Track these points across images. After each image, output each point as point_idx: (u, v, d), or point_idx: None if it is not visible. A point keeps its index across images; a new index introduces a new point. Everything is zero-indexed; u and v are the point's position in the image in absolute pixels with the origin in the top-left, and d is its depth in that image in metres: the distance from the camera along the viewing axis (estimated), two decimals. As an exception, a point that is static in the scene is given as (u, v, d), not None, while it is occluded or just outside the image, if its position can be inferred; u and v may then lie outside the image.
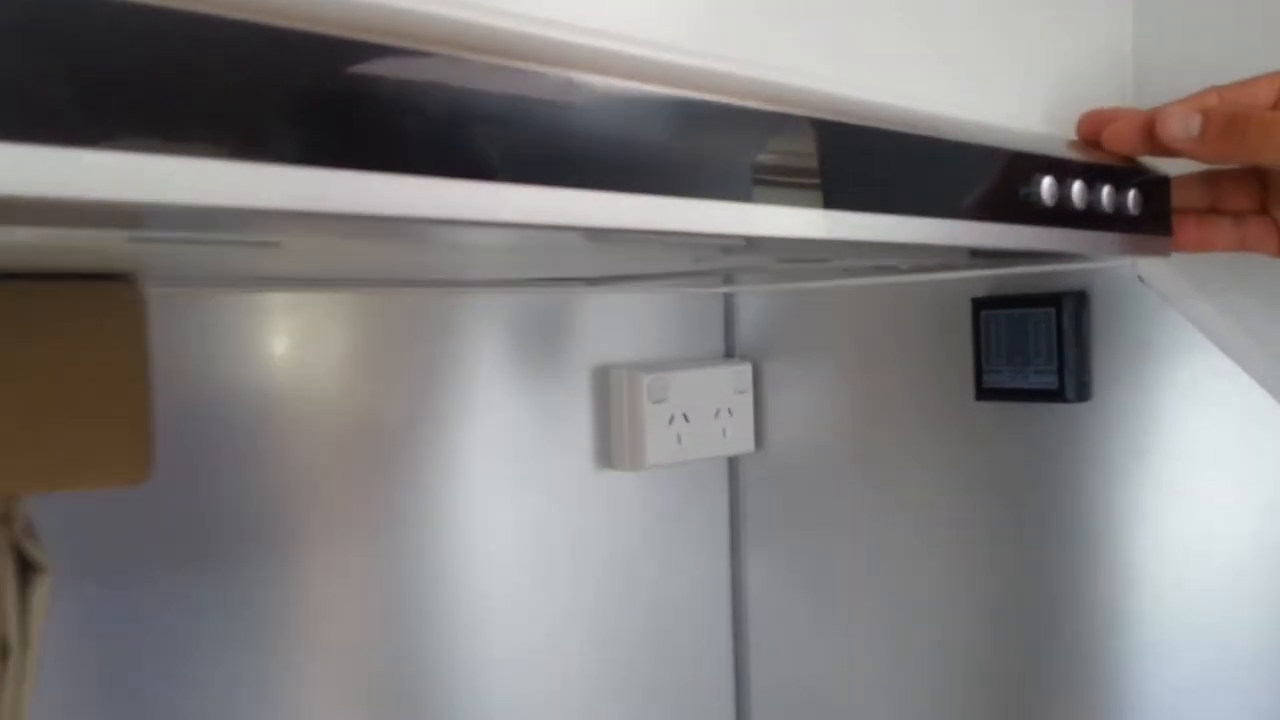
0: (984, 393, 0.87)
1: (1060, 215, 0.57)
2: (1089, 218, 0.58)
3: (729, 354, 1.09)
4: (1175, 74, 0.68)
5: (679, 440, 1.00)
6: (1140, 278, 0.80)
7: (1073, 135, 0.63)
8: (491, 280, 0.91)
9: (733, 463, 1.10)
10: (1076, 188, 0.56)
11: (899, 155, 0.48)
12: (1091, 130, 0.62)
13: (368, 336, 0.86)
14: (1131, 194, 0.60)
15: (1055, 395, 0.82)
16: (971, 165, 0.53)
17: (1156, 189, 0.63)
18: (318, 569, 0.84)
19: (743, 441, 1.05)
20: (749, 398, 1.06)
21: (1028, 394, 0.84)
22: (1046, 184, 0.55)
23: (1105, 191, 0.58)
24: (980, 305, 0.86)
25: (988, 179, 0.53)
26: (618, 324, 1.01)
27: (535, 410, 0.97)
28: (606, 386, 0.99)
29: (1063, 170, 0.56)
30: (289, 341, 0.82)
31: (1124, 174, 0.61)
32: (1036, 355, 0.83)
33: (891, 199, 0.48)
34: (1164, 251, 0.65)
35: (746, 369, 1.06)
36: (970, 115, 0.56)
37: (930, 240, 0.50)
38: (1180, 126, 0.59)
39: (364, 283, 0.85)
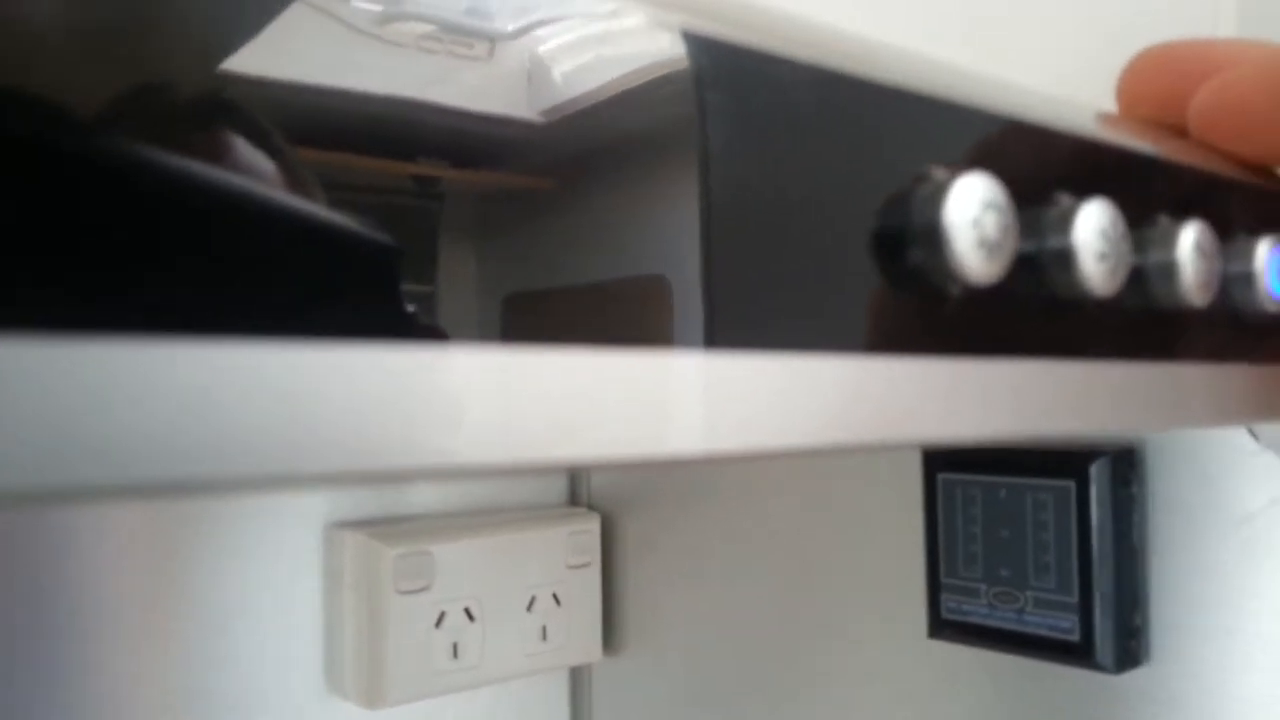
0: (942, 627, 0.47)
1: (1087, 318, 0.18)
2: (1152, 320, 0.20)
3: (573, 500, 0.71)
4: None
5: (454, 654, 0.60)
6: (1251, 430, 0.41)
7: (1110, 104, 0.25)
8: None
9: (575, 679, 0.70)
10: (1105, 244, 0.18)
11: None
12: (1140, 94, 0.24)
13: None
14: (1263, 258, 0.21)
15: (1076, 653, 0.43)
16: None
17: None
18: None
19: (581, 645, 0.66)
20: (593, 574, 0.67)
21: (1022, 643, 0.44)
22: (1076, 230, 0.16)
23: (1186, 247, 0.20)
24: (936, 464, 0.47)
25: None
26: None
27: (250, 591, 0.59)
28: (339, 560, 0.60)
29: (1097, 182, 0.18)
30: None
31: (1236, 194, 0.22)
32: (1040, 572, 0.44)
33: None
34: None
35: (592, 527, 0.67)
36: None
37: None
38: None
39: None
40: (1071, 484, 0.43)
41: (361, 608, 0.59)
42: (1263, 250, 0.21)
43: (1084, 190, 0.18)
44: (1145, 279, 0.19)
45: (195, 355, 0.10)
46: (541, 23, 0.13)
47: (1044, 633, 0.43)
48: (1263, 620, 0.40)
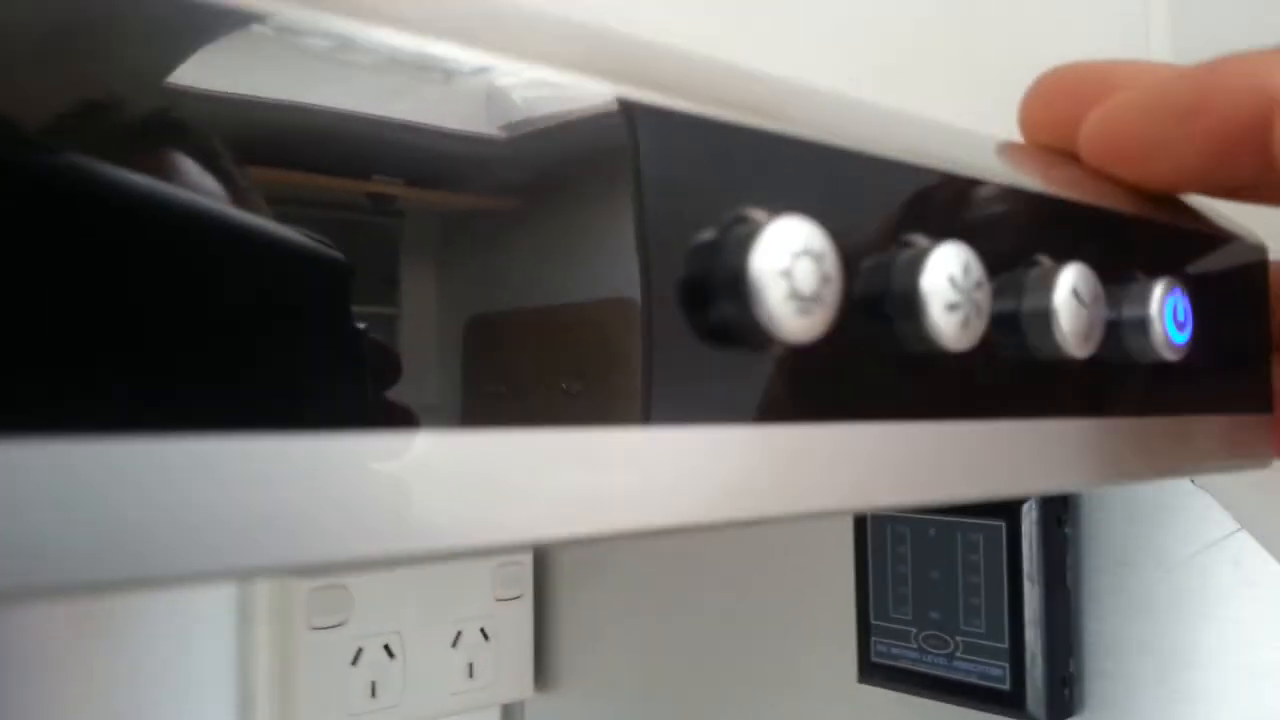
0: (872, 671, 0.45)
1: (963, 376, 0.16)
2: (1029, 374, 0.18)
3: (508, 529, 0.68)
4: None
5: (372, 693, 0.58)
6: (1181, 473, 0.38)
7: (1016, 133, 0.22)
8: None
9: (506, 718, 0.68)
10: (975, 299, 0.16)
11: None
12: (1039, 119, 0.22)
13: None
14: (1157, 302, 0.19)
15: (1007, 703, 0.41)
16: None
17: (1236, 295, 0.23)
18: None
19: (512, 681, 0.64)
20: (525, 606, 0.64)
21: (952, 690, 0.42)
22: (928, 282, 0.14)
23: (1063, 293, 0.17)
24: (866, 503, 0.45)
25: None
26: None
27: (160, 626, 0.56)
28: (251, 594, 0.58)
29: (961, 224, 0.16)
30: None
31: (1129, 231, 0.20)
32: (970, 616, 0.42)
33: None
34: (1259, 457, 0.24)
35: (523, 558, 0.65)
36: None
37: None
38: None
39: None
40: (1002, 524, 0.41)
41: (274, 644, 0.56)
42: (1158, 293, 0.19)
43: (944, 232, 0.16)
44: (1020, 328, 0.17)
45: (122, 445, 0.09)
46: (492, 69, 0.12)
47: (974, 680, 0.41)
48: (1197, 670, 0.38)
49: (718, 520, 0.14)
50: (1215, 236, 0.22)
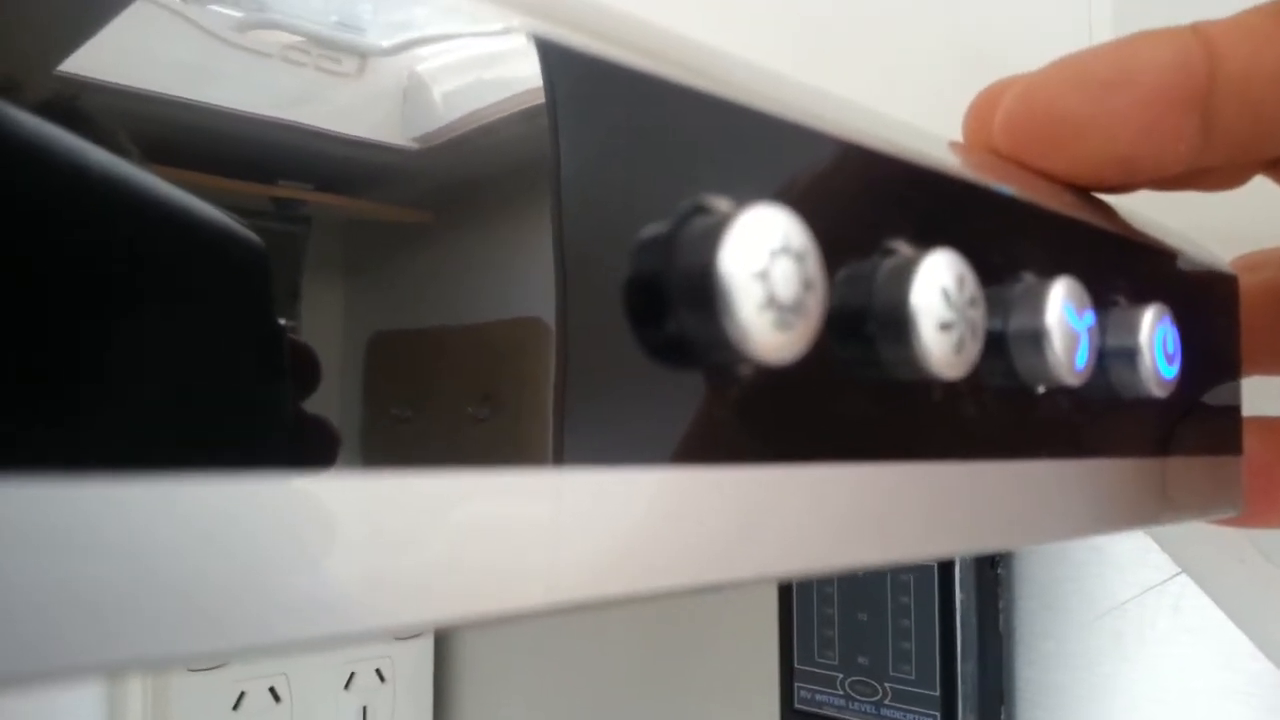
0: (795, 719, 0.43)
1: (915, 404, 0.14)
2: (1017, 406, 0.15)
3: (409, 563, 0.64)
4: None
5: (256, 741, 0.53)
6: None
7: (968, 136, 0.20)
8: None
9: (398, 757, 0.64)
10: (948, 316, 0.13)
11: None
12: (985, 124, 0.20)
13: None
14: (1147, 331, 0.17)
15: (935, 754, 0.38)
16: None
17: (1214, 327, 0.21)
18: None
19: (408, 725, 0.60)
20: (425, 646, 0.61)
21: (879, 740, 0.40)
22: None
23: (1055, 311, 0.15)
24: (792, 540, 0.43)
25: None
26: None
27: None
28: (123, 634, 0.53)
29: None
30: None
31: (1115, 250, 0.18)
32: (900, 661, 0.39)
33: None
34: (1232, 502, 0.22)
35: (426, 595, 0.61)
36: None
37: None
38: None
39: None
40: (934, 564, 0.39)
41: (148, 688, 0.51)
42: (1148, 321, 0.17)
43: (927, 239, 0.13)
44: (1005, 351, 0.15)
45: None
46: (419, 42, 0.10)
47: (902, 730, 0.39)
48: (1123, 699, 0.37)
49: (647, 590, 0.11)
50: (1193, 260, 0.20)
